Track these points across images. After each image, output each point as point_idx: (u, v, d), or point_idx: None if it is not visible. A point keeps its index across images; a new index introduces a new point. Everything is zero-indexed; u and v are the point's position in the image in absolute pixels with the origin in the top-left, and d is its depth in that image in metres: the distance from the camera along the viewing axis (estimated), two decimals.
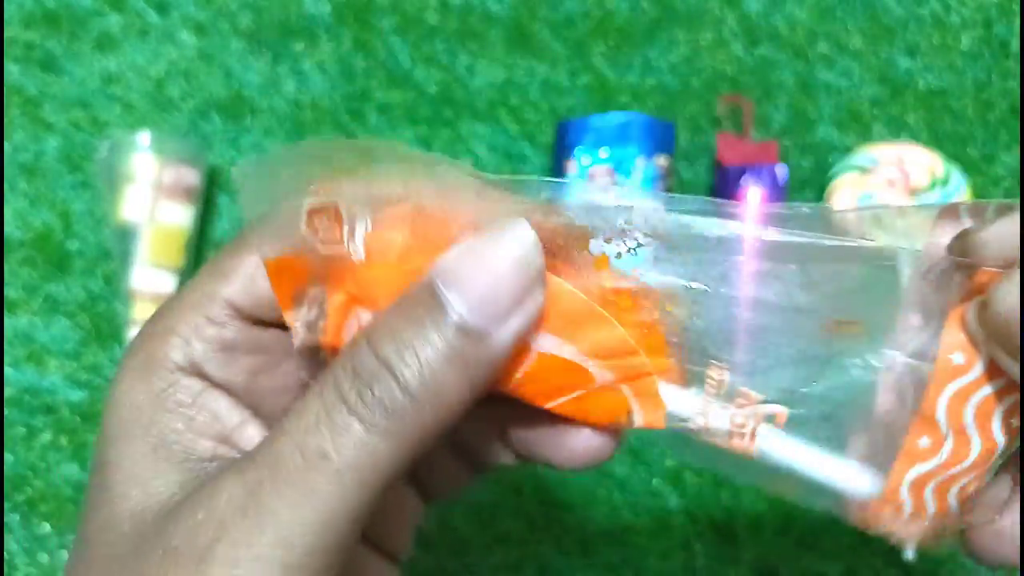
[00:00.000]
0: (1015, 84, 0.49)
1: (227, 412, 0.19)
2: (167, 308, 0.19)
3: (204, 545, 0.16)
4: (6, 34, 0.56)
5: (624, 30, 0.51)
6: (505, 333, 0.16)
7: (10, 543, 0.48)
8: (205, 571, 0.15)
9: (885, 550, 0.43)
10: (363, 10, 0.53)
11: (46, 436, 0.50)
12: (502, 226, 0.17)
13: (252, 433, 0.19)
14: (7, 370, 0.51)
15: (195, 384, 0.18)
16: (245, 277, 0.19)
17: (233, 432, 0.19)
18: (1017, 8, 0.50)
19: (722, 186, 0.45)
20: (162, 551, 0.16)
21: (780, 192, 0.45)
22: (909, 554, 0.44)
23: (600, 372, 0.18)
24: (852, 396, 0.19)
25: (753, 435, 0.19)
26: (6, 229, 0.53)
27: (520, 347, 0.17)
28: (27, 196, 0.53)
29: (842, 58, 0.50)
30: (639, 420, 0.19)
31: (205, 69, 0.54)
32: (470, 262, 0.16)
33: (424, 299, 0.16)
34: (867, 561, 0.43)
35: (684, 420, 0.19)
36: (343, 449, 0.16)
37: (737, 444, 0.19)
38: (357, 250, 0.18)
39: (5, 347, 0.51)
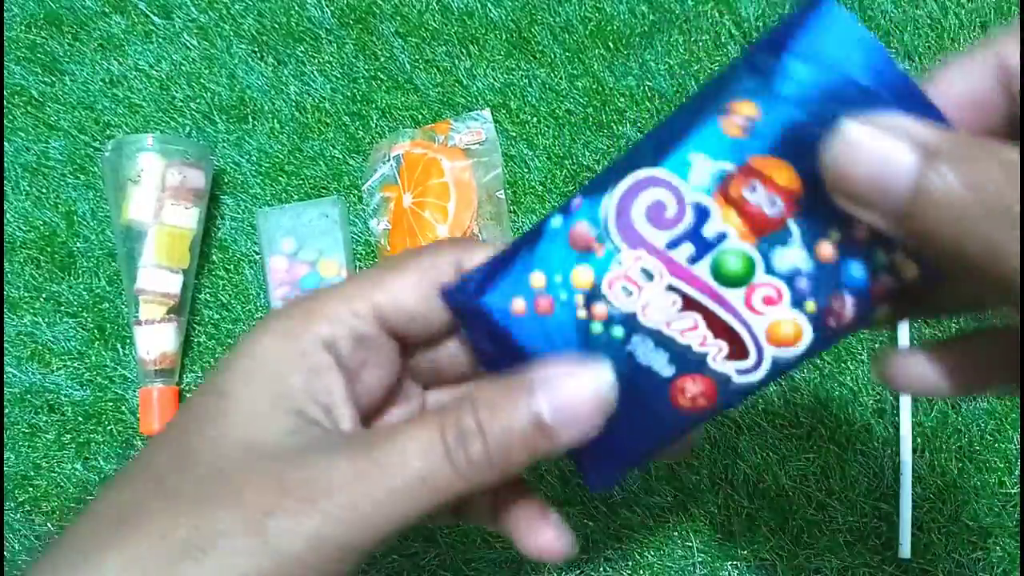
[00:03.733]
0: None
1: (338, 389, 0.22)
2: (322, 293, 0.23)
3: (317, 493, 0.20)
4: (9, 35, 0.56)
5: (622, 34, 0.52)
6: (568, 439, 0.21)
7: (12, 542, 0.48)
8: (313, 512, 0.19)
9: (881, 548, 0.43)
10: (365, 14, 0.53)
11: (49, 435, 0.50)
12: (596, 363, 0.22)
13: (344, 412, 0.22)
14: (10, 369, 0.51)
15: (326, 359, 0.22)
16: (397, 291, 0.23)
17: (335, 407, 0.22)
18: (1014, 10, 0.51)
19: None
20: (276, 483, 0.20)
21: None
22: (905, 551, 0.45)
23: None
24: None
25: None
26: (10, 229, 0.53)
27: None
28: (31, 197, 0.53)
29: None
30: None
31: (209, 72, 0.54)
32: (563, 377, 0.21)
33: (521, 386, 0.21)
34: (862, 558, 0.43)
35: None
36: (431, 479, 0.20)
37: None
38: None
39: (8, 346, 0.51)
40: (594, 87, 0.51)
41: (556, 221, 0.22)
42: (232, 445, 0.21)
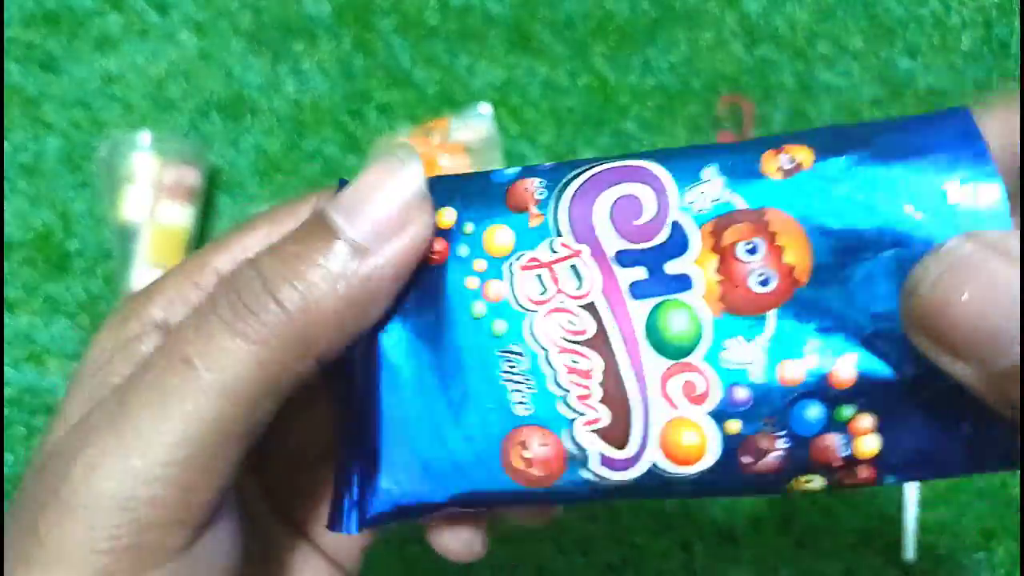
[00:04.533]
0: (1015, 85, 0.49)
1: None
2: (165, 273, 0.20)
3: (75, 450, 0.16)
4: (6, 34, 0.56)
5: (624, 30, 0.51)
6: (386, 251, 0.17)
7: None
8: (70, 482, 0.15)
9: (885, 550, 0.43)
10: (363, 10, 0.53)
11: None
12: (389, 158, 0.17)
13: None
14: (7, 370, 0.51)
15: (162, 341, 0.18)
16: (240, 250, 0.19)
17: None
18: (1017, 8, 0.50)
19: None
20: (48, 460, 0.16)
21: None
22: (909, 553, 0.45)
23: None
24: None
25: None
26: (6, 229, 0.53)
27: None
28: (27, 196, 0.53)
29: (842, 58, 0.50)
30: None
31: (205, 69, 0.54)
32: (359, 188, 0.17)
33: (308, 222, 0.17)
34: (867, 561, 0.43)
35: None
36: (206, 355, 0.16)
37: None
38: None
39: (5, 347, 0.51)
40: (596, 84, 0.51)
41: (510, 170, 0.18)
42: (38, 454, 0.18)
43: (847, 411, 0.16)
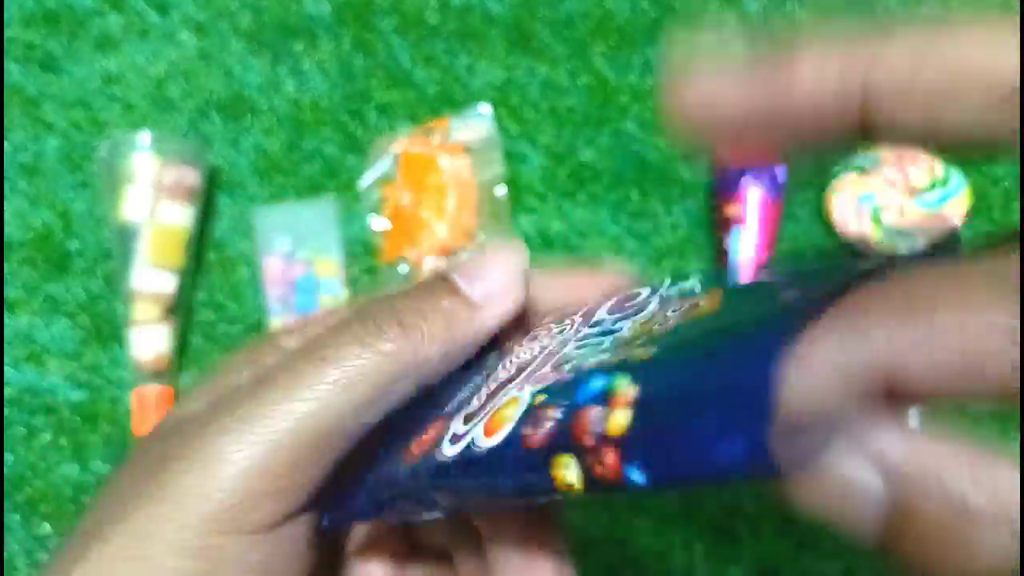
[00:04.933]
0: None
1: None
2: (307, 320, 0.23)
3: (210, 417, 0.19)
4: (6, 34, 0.56)
5: (624, 30, 0.51)
6: (491, 311, 0.21)
7: (10, 543, 0.48)
8: (202, 432, 0.18)
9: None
10: (363, 10, 0.53)
11: (46, 436, 0.50)
12: (502, 241, 0.21)
13: None
14: (7, 370, 0.51)
15: None
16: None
17: None
18: (1017, 7, 0.50)
19: (722, 186, 0.45)
20: (179, 424, 0.19)
21: (780, 192, 0.45)
22: None
23: None
24: None
25: None
26: (6, 229, 0.53)
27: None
28: (27, 196, 0.53)
29: None
30: None
31: (205, 69, 0.54)
32: (477, 261, 0.21)
33: (437, 281, 0.21)
34: (867, 562, 0.43)
35: None
36: (337, 356, 0.19)
37: None
38: None
39: (5, 347, 0.51)
40: (596, 84, 0.51)
41: None
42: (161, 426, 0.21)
43: (623, 380, 0.13)
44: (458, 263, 0.22)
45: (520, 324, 0.22)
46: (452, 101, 0.51)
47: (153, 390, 0.48)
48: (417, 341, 0.20)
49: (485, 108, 0.50)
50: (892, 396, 0.12)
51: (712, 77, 0.14)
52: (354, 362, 0.19)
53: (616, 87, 0.50)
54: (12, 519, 0.48)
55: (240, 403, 0.19)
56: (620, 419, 0.13)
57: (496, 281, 0.21)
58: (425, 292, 0.21)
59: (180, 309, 0.49)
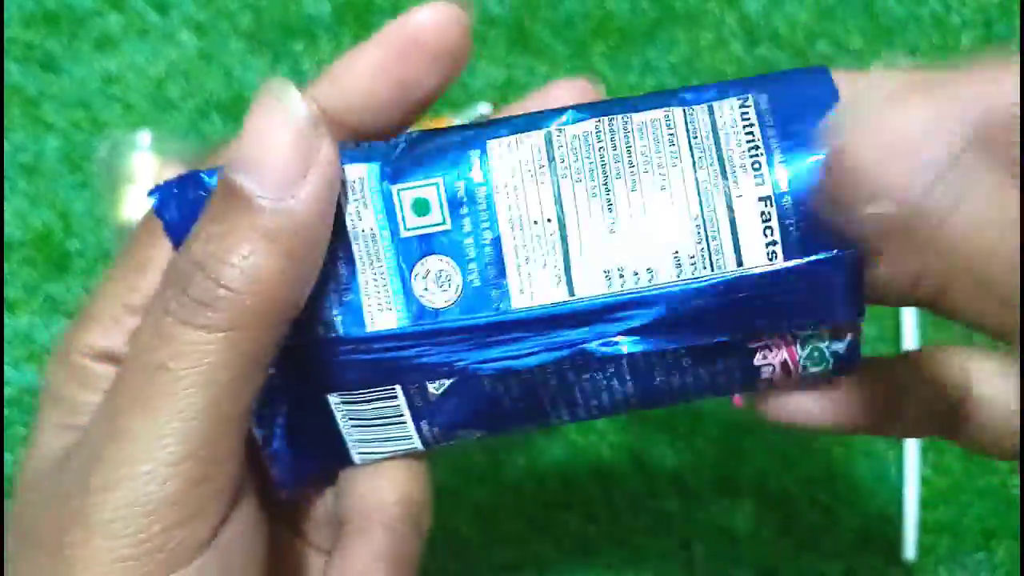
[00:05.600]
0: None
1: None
2: (95, 294, 0.20)
3: (84, 478, 0.16)
4: (6, 34, 0.56)
5: (624, 30, 0.51)
6: (303, 196, 0.16)
7: (10, 543, 0.48)
8: (88, 501, 0.16)
9: (886, 550, 0.43)
10: (363, 10, 0.53)
11: None
12: (263, 97, 0.17)
13: None
14: (7, 370, 0.51)
15: (106, 370, 0.19)
16: (159, 269, 0.19)
17: None
18: (1017, 8, 0.50)
19: None
20: (55, 497, 0.17)
21: None
22: (909, 553, 0.44)
23: None
24: None
25: None
26: (6, 229, 0.53)
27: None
28: (27, 196, 0.53)
29: (842, 58, 0.50)
30: None
31: (205, 69, 0.54)
32: (250, 140, 0.17)
33: (221, 195, 0.17)
34: (867, 561, 0.43)
35: None
36: (177, 356, 0.16)
37: None
38: None
39: (5, 347, 0.51)
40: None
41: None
42: (20, 487, 0.20)
43: None
44: (230, 154, 0.17)
45: None
46: (452, 101, 0.51)
47: None
48: (249, 288, 0.16)
49: (485, 108, 0.50)
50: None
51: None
52: (197, 354, 0.16)
53: (616, 87, 0.50)
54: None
55: (106, 449, 0.16)
56: None
57: (283, 155, 0.16)
58: (219, 223, 0.16)
59: None
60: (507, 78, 0.51)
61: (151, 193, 0.19)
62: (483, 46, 0.52)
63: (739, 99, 0.18)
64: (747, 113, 0.17)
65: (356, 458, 0.21)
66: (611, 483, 0.45)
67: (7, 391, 0.50)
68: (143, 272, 0.19)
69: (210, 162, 0.20)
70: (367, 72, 0.20)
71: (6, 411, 0.50)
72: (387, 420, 0.20)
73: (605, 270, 0.17)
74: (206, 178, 0.18)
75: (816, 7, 0.51)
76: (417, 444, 0.21)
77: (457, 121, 0.50)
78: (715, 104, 0.18)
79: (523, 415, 0.19)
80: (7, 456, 0.50)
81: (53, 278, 0.52)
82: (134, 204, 0.48)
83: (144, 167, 0.48)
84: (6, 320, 0.51)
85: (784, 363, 0.18)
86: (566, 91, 0.21)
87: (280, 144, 0.16)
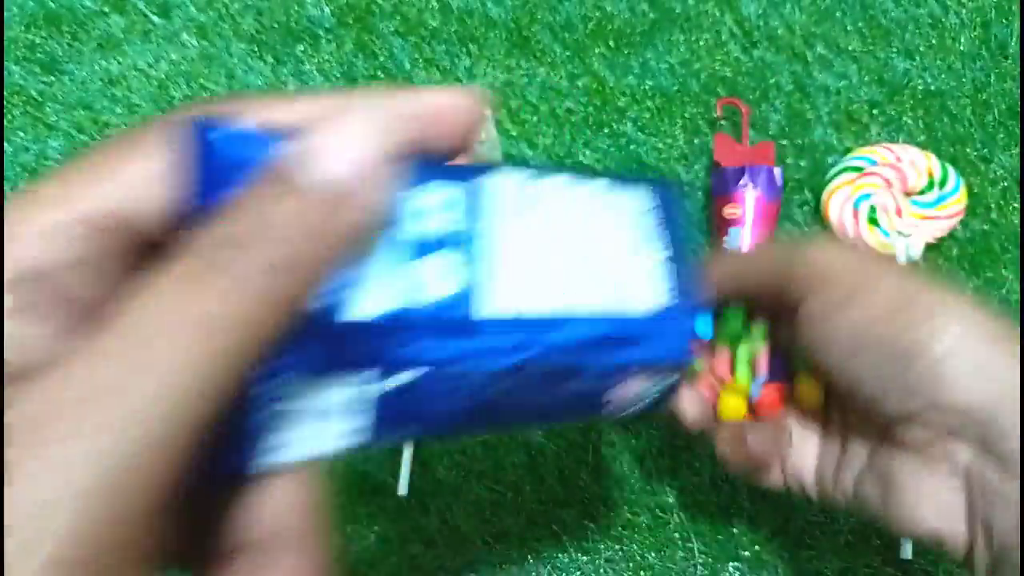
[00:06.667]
0: (1013, 85, 0.49)
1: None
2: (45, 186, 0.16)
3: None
4: (8, 35, 0.56)
5: (623, 33, 0.52)
6: (370, 191, 0.14)
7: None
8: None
9: (883, 549, 0.43)
10: (364, 13, 0.53)
11: None
12: (350, 108, 0.16)
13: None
14: None
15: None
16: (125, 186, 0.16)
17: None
18: (1015, 9, 0.50)
19: (720, 187, 0.46)
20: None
21: (777, 193, 0.45)
22: (907, 552, 0.45)
23: None
24: None
25: None
26: None
27: None
28: None
29: (839, 60, 0.50)
30: None
31: (207, 71, 0.54)
32: (322, 138, 0.15)
33: (272, 177, 0.14)
34: (864, 560, 0.43)
35: None
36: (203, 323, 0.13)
37: None
38: None
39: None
40: (595, 86, 0.51)
41: None
42: None
43: None
44: (293, 150, 0.14)
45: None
46: None
47: None
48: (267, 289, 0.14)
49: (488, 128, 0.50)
50: None
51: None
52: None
53: (615, 89, 0.51)
54: None
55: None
56: None
57: (356, 150, 0.14)
58: (255, 207, 0.14)
59: None
60: (507, 80, 0.51)
61: (200, 125, 0.16)
62: (483, 48, 0.52)
63: None
64: None
65: (252, 466, 0.17)
66: (610, 481, 0.45)
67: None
68: (100, 183, 0.16)
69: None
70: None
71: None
72: (327, 413, 0.18)
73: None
74: (265, 146, 0.15)
75: (814, 9, 0.51)
76: (342, 444, 0.18)
77: None
78: None
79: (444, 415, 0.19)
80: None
81: None
82: None
83: None
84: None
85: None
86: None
87: (356, 139, 0.15)
